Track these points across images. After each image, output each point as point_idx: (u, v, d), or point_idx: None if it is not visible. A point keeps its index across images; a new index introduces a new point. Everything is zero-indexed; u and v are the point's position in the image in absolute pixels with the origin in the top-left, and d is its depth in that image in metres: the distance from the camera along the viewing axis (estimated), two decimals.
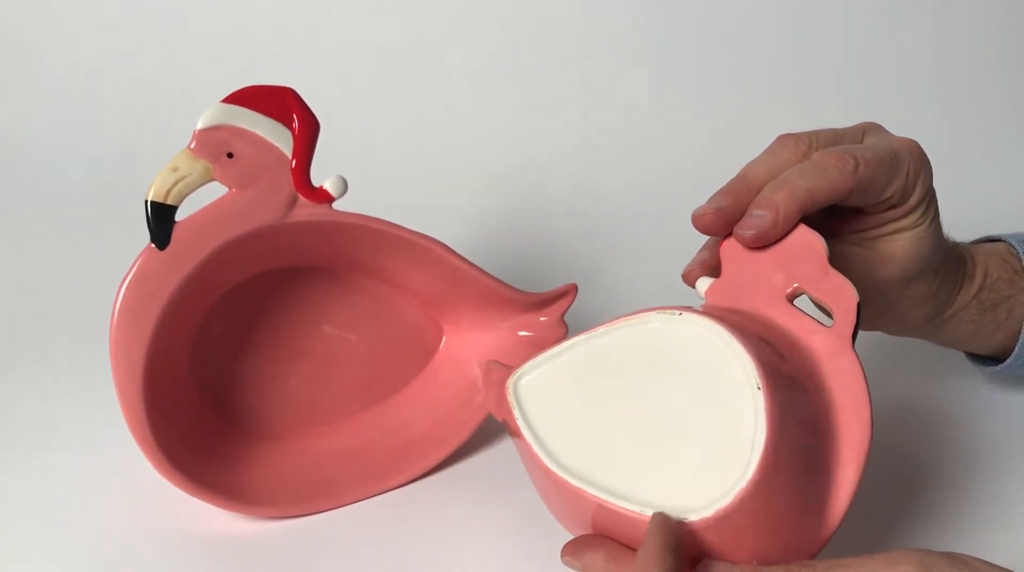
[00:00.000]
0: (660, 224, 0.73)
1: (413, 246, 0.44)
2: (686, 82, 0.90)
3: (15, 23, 0.87)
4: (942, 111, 0.89)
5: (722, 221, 0.36)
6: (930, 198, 0.39)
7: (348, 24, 0.89)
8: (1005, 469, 0.47)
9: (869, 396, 0.33)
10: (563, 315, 0.48)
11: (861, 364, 0.33)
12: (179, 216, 0.40)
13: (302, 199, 0.41)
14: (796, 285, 0.34)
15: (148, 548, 0.43)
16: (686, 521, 0.30)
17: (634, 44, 0.90)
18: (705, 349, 0.32)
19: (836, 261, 0.34)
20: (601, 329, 0.35)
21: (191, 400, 0.45)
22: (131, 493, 0.46)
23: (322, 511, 0.45)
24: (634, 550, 0.32)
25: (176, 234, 0.39)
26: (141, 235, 0.39)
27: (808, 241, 0.34)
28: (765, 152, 0.37)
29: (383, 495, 0.47)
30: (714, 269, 0.38)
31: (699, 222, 0.36)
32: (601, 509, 0.32)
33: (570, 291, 0.48)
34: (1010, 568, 0.29)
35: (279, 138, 0.40)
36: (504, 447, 0.50)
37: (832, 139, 0.38)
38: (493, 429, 0.49)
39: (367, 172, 0.69)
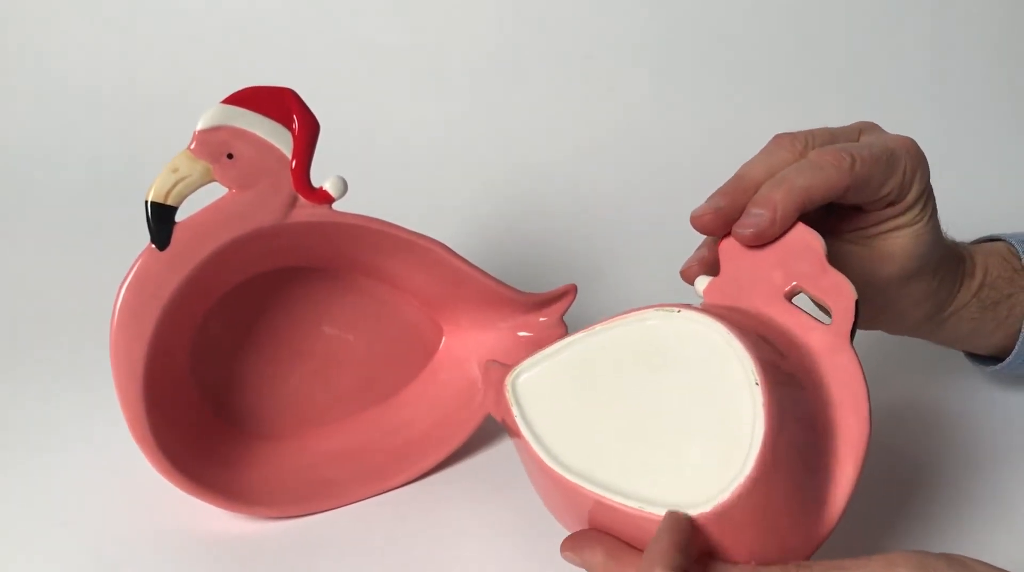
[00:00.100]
0: (660, 224, 0.73)
1: (413, 246, 0.44)
2: (686, 82, 0.90)
3: (15, 23, 0.87)
4: (942, 111, 0.89)
5: (720, 221, 0.36)
6: (927, 195, 0.39)
7: (348, 24, 0.89)
8: (1005, 469, 0.47)
9: (868, 393, 0.33)
10: (563, 315, 0.48)
11: (860, 361, 0.33)
12: (179, 217, 0.40)
13: (302, 200, 0.41)
14: (794, 283, 0.34)
15: (148, 548, 0.43)
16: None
17: (634, 44, 0.90)
18: (703, 346, 0.32)
19: (834, 259, 0.34)
20: (599, 327, 0.35)
21: (191, 400, 0.45)
22: (131, 493, 0.46)
23: (322, 511, 0.45)
24: (632, 547, 0.32)
25: (176, 235, 0.39)
26: (141, 235, 0.39)
27: (806, 239, 0.34)
28: (762, 152, 0.37)
29: (383, 495, 0.47)
30: (712, 266, 0.38)
31: (697, 223, 0.36)
32: (599, 505, 0.32)
33: (570, 291, 0.48)
34: (1010, 569, 0.29)
35: (279, 139, 0.40)
36: (504, 447, 0.50)
37: (828, 138, 0.38)
38: (493, 429, 0.49)
39: (367, 173, 0.69)
